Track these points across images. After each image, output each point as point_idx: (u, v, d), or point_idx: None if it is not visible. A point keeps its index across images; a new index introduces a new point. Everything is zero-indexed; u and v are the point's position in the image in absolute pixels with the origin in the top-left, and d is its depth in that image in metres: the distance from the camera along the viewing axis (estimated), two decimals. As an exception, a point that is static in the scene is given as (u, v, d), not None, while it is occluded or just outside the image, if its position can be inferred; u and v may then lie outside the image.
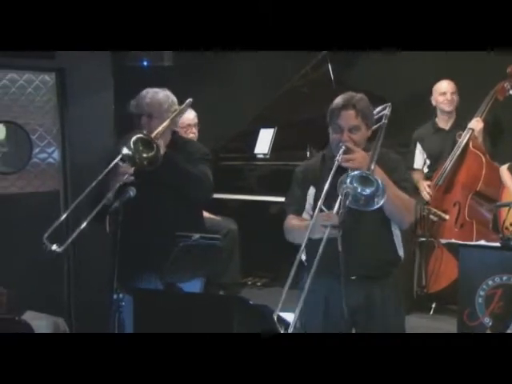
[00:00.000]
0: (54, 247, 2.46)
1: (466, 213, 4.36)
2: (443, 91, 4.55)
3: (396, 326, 2.61)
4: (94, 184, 2.60)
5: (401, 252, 2.64)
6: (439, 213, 4.41)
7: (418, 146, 4.67)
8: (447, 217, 4.42)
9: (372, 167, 2.35)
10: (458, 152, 4.40)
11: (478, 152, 4.37)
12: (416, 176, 4.54)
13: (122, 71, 4.55)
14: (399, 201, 2.49)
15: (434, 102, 4.62)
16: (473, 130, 4.39)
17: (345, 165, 2.42)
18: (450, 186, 4.49)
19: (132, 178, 2.66)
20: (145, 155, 2.64)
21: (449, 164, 4.42)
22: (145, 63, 4.86)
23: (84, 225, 2.52)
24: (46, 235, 2.50)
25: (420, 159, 4.67)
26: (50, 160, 4.14)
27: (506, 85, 4.40)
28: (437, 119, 4.67)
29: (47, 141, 4.12)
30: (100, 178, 2.63)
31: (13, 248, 3.85)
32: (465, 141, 4.39)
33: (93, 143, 4.09)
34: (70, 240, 2.48)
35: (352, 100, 2.52)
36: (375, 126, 2.65)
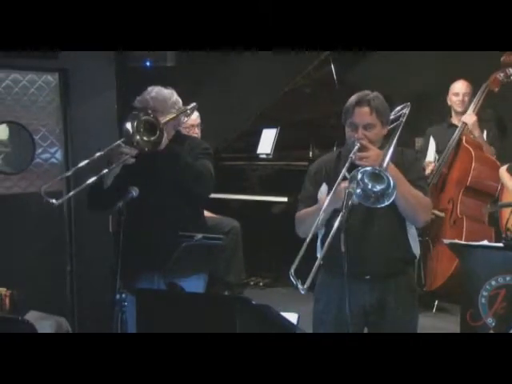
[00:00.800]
0: (53, 200, 2.49)
1: (459, 209, 4.37)
2: (456, 91, 4.60)
3: (409, 327, 2.59)
4: (96, 156, 2.66)
5: (415, 250, 2.62)
6: (434, 211, 4.41)
7: (431, 140, 4.68)
8: (443, 215, 4.43)
9: (385, 165, 2.34)
10: (451, 148, 4.43)
11: (468, 147, 4.39)
12: (429, 168, 4.56)
13: (124, 71, 4.55)
14: (414, 199, 2.48)
15: (448, 102, 4.66)
16: (466, 124, 4.42)
17: (358, 162, 2.41)
18: (445, 183, 4.51)
19: (132, 160, 2.67)
20: (145, 138, 2.66)
21: (442, 161, 4.44)
22: (147, 64, 4.86)
23: (83, 186, 2.59)
24: (44, 187, 2.55)
25: (433, 153, 4.68)
26: (53, 160, 4.15)
27: (498, 75, 4.41)
28: (451, 119, 4.69)
29: (50, 141, 4.13)
30: (104, 152, 2.68)
31: (16, 248, 3.86)
32: (458, 136, 4.41)
33: (95, 143, 4.09)
34: (69, 195, 2.56)
35: (366, 97, 2.51)
36: (393, 125, 2.65)
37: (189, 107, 2.99)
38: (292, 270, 2.19)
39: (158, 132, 2.64)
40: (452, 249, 3.33)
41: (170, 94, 2.90)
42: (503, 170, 4.15)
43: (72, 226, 4.20)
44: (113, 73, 4.31)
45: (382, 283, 2.55)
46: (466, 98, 4.57)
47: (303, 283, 2.17)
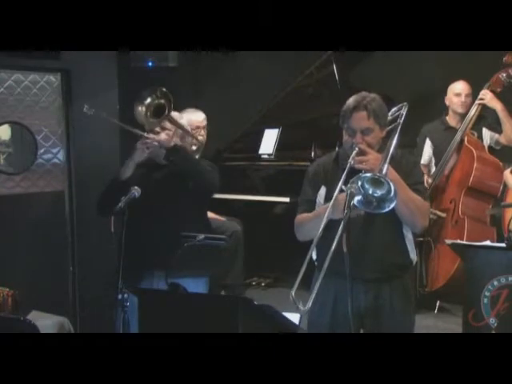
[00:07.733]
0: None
1: (460, 209, 4.36)
2: (458, 92, 4.51)
3: (404, 330, 2.58)
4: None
5: (412, 255, 2.60)
6: (435, 211, 4.41)
7: (428, 142, 4.65)
8: (444, 215, 4.43)
9: (384, 169, 2.33)
10: (452, 148, 4.42)
11: (470, 147, 4.37)
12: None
13: (126, 72, 4.55)
14: (413, 204, 2.46)
15: (447, 102, 4.59)
16: (468, 123, 4.40)
17: (357, 166, 2.40)
18: (447, 183, 4.50)
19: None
20: (149, 113, 2.89)
21: (443, 161, 4.44)
22: (149, 64, 4.86)
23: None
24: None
25: (428, 155, 4.66)
26: (55, 160, 4.15)
27: (501, 75, 4.37)
28: (447, 117, 4.64)
29: (52, 141, 4.13)
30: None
31: (18, 248, 3.86)
32: (459, 136, 4.40)
33: (97, 144, 4.10)
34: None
35: (364, 101, 2.49)
36: (390, 127, 2.63)
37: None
38: (292, 293, 2.16)
39: (163, 114, 2.85)
40: (454, 249, 3.33)
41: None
42: (507, 172, 4.15)
43: (74, 226, 4.20)
44: (115, 73, 4.32)
45: (377, 287, 2.53)
46: (468, 100, 4.51)
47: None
